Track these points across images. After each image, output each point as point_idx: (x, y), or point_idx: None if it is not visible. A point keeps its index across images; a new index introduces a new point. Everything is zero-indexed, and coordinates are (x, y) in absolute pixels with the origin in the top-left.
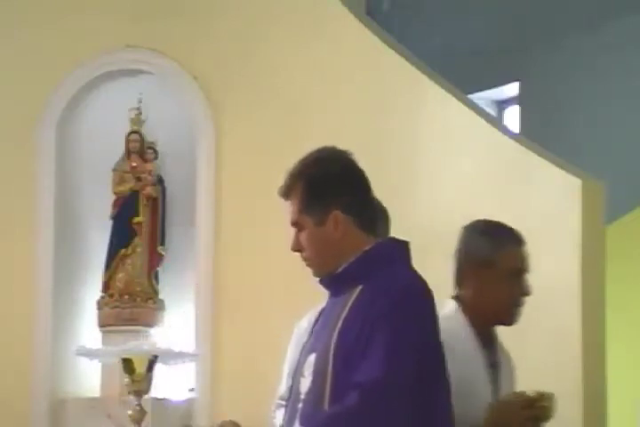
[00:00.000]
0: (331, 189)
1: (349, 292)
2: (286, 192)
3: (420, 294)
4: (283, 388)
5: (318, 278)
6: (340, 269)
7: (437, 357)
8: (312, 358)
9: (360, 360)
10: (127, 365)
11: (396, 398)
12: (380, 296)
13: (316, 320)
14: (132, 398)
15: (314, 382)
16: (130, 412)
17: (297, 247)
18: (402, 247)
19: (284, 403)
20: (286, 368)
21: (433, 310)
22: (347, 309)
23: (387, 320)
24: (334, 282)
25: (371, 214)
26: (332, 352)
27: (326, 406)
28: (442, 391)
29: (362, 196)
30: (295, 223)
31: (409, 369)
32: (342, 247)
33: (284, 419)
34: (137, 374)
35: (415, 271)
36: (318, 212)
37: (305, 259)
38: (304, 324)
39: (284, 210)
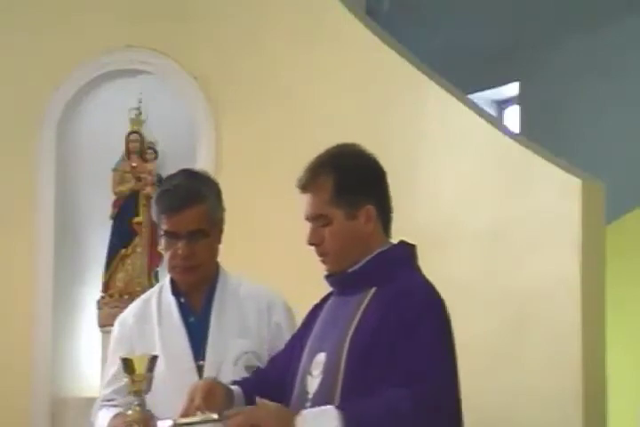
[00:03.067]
0: (365, 182)
1: (362, 292)
2: (308, 184)
3: (440, 299)
4: (107, 390)
5: (326, 274)
6: (354, 268)
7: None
8: (321, 357)
9: (386, 357)
10: (127, 365)
11: (450, 394)
12: (404, 298)
13: (310, 317)
14: (132, 398)
15: (324, 381)
16: (130, 412)
17: (317, 240)
18: (413, 251)
19: (108, 404)
20: (113, 369)
21: (447, 316)
22: (361, 310)
23: (424, 319)
24: (346, 281)
25: (389, 218)
26: (345, 352)
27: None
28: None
29: (388, 199)
30: (319, 216)
31: (453, 368)
32: (369, 244)
33: None
34: (137, 374)
35: (425, 277)
36: (351, 205)
37: (322, 254)
38: (129, 320)
39: (286, 209)
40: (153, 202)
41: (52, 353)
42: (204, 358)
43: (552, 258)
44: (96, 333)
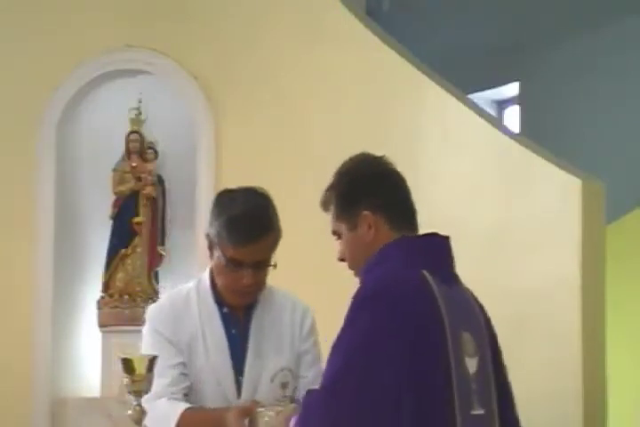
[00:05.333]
0: (357, 192)
1: None
2: (324, 205)
3: (381, 300)
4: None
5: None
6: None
7: (387, 360)
8: None
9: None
10: (127, 365)
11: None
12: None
13: None
14: (131, 398)
15: None
16: (130, 412)
17: (340, 256)
18: (402, 246)
19: (172, 389)
20: (178, 358)
21: (382, 314)
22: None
23: (350, 323)
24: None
25: (403, 212)
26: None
27: None
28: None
29: (390, 195)
30: (333, 232)
31: (352, 372)
32: (374, 249)
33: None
34: (137, 374)
35: (386, 272)
36: (350, 216)
37: (348, 267)
38: (165, 308)
39: (286, 208)
40: (220, 227)
41: (52, 353)
42: (242, 374)
43: (552, 258)
44: (96, 333)
